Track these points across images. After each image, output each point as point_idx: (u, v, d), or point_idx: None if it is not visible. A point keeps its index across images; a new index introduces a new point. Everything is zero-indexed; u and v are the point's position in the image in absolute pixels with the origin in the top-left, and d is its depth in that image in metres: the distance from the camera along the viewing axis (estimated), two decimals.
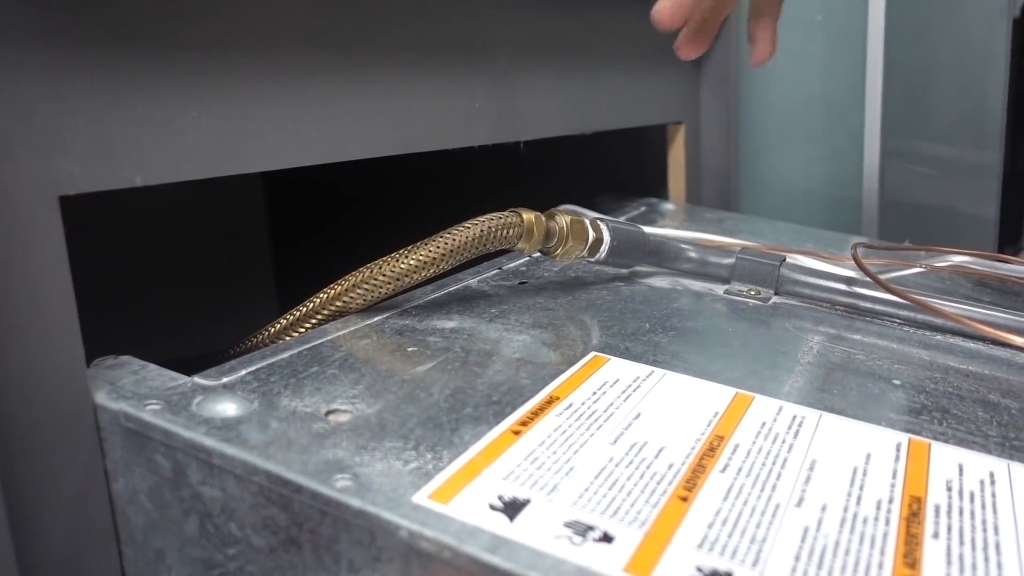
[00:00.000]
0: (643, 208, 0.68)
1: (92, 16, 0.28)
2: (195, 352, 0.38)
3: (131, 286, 0.75)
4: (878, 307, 0.43)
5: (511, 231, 0.39)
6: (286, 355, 0.33)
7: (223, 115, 0.32)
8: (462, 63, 0.44)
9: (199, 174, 0.31)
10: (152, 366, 0.31)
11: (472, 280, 0.45)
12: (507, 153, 0.51)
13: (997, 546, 0.24)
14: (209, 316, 0.83)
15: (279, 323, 0.38)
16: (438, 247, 0.37)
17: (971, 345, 0.40)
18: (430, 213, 0.45)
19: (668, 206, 0.70)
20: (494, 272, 0.47)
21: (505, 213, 0.40)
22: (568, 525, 0.23)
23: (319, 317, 0.37)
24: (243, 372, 0.31)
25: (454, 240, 0.38)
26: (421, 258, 0.37)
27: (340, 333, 0.36)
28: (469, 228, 0.38)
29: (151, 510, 0.28)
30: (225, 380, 0.30)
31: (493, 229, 0.38)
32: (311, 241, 0.93)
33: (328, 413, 0.28)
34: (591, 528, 0.23)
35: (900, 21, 0.78)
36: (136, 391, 0.29)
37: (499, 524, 0.23)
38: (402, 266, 0.37)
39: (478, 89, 0.45)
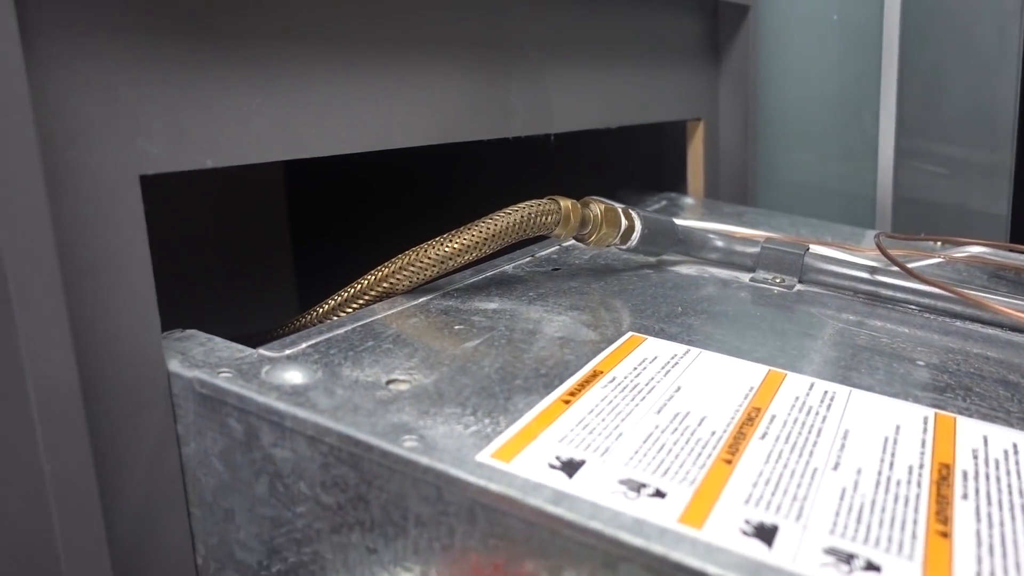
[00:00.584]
0: (663, 202, 0.70)
1: (168, 9, 0.30)
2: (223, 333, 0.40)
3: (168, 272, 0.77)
4: (899, 295, 0.45)
5: (550, 217, 0.41)
6: (341, 331, 0.35)
7: (283, 103, 0.33)
8: (498, 58, 0.46)
9: (261, 158, 0.33)
10: (218, 339, 0.33)
11: (507, 266, 0.46)
12: (527, 148, 0.53)
13: (1023, 507, 0.25)
14: (230, 304, 0.85)
15: (328, 303, 0.39)
16: (481, 231, 0.39)
17: (990, 331, 0.42)
18: (446, 206, 0.47)
19: (688, 200, 0.72)
20: (527, 259, 0.48)
21: (543, 200, 0.41)
22: (623, 482, 0.25)
23: (367, 298, 0.39)
24: (303, 345, 0.33)
25: (496, 225, 0.39)
26: (465, 241, 0.39)
27: (388, 312, 0.38)
28: (511, 214, 0.40)
29: (222, 472, 0.30)
30: (288, 352, 0.32)
31: (533, 215, 0.40)
32: (330, 232, 0.95)
33: (388, 382, 0.30)
34: (644, 485, 0.25)
35: (915, 22, 0.80)
36: (207, 360, 0.31)
37: (559, 480, 0.25)
38: (446, 249, 0.39)
39: (513, 83, 0.47)
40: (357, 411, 0.28)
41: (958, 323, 0.43)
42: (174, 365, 0.30)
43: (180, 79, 0.30)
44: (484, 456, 0.26)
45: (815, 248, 0.49)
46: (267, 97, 0.33)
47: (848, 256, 0.48)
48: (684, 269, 0.49)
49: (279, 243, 0.96)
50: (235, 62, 0.32)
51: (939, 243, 0.52)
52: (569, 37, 0.53)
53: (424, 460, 0.25)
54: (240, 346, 0.32)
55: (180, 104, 0.30)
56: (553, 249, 0.51)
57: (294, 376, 0.30)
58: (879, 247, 0.45)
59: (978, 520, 0.24)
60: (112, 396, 0.28)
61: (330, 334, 0.34)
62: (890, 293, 0.45)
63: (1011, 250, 0.51)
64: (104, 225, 0.28)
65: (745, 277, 0.48)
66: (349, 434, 0.26)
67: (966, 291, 0.42)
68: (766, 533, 0.23)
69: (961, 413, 0.32)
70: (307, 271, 0.97)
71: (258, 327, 0.40)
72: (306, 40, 0.35)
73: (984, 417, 0.32)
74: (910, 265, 0.48)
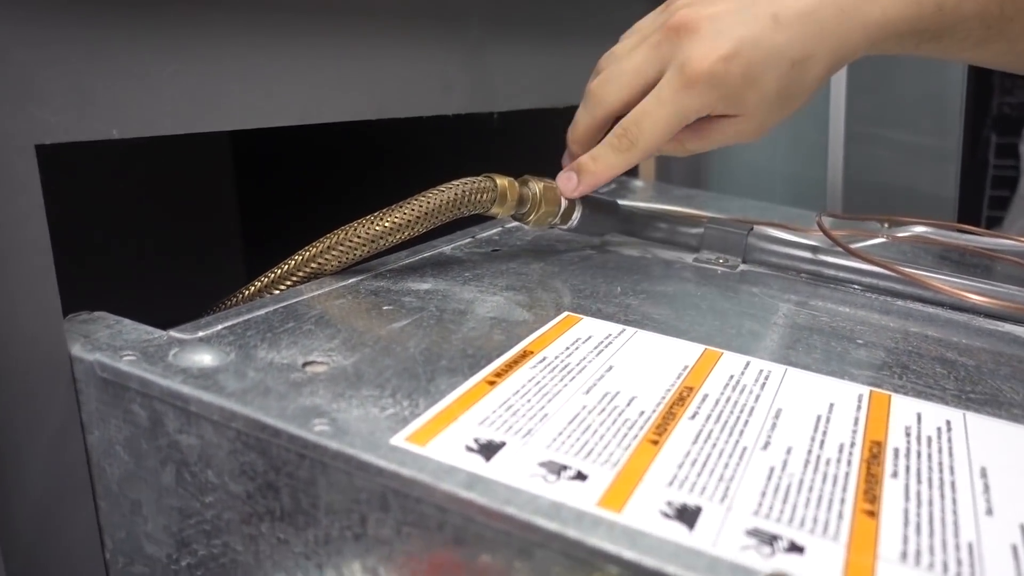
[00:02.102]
0: (613, 185, 0.69)
1: None
2: (162, 319, 0.38)
3: (95, 252, 0.74)
4: (842, 274, 0.44)
5: (485, 195, 0.39)
6: (262, 312, 0.33)
7: (200, 71, 0.32)
8: (437, 30, 0.44)
9: (175, 129, 0.31)
10: (127, 321, 0.31)
11: (446, 247, 0.45)
12: (477, 124, 0.52)
13: (952, 485, 0.25)
14: (175, 284, 0.82)
15: (254, 285, 0.38)
16: (413, 210, 0.38)
17: (930, 310, 0.42)
18: (398, 183, 0.45)
19: (638, 183, 0.71)
20: (467, 240, 0.47)
21: (479, 178, 0.40)
22: (543, 465, 0.24)
23: (294, 279, 0.38)
24: (219, 327, 0.31)
25: (429, 203, 0.38)
26: (396, 220, 0.37)
27: (315, 293, 0.36)
28: (444, 191, 0.38)
29: (127, 461, 0.28)
30: (201, 334, 0.30)
31: (467, 192, 0.39)
32: (280, 208, 0.92)
33: (305, 364, 0.29)
34: (565, 467, 0.24)
35: None
36: (111, 343, 0.29)
37: (475, 464, 0.23)
38: (377, 228, 0.37)
39: (453, 57, 0.46)
40: (268, 394, 0.26)
41: (899, 302, 0.42)
42: (76, 348, 0.28)
43: (83, 41, 0.28)
44: (398, 440, 0.24)
45: (759, 228, 0.48)
46: (183, 64, 0.31)
47: (792, 236, 0.47)
48: (628, 250, 0.48)
49: (227, 219, 0.92)
50: (147, 25, 0.30)
51: (884, 224, 0.52)
52: (515, 10, 0.51)
53: (333, 444, 0.24)
54: (150, 328, 0.30)
55: (82, 68, 0.28)
56: (495, 231, 0.50)
57: (204, 358, 0.28)
58: (820, 226, 0.44)
59: (907, 499, 0.24)
60: (6, 382, 0.27)
61: (249, 315, 0.33)
62: (833, 273, 0.44)
63: (955, 230, 0.51)
64: None
65: (689, 258, 0.47)
66: (256, 418, 0.25)
67: (905, 269, 0.41)
68: (688, 515, 0.22)
69: (896, 391, 0.31)
70: (256, 249, 0.94)
71: (205, 305, 0.39)
72: (228, 4, 0.33)
73: (919, 395, 0.31)
74: (854, 245, 0.48)
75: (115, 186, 0.75)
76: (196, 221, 0.88)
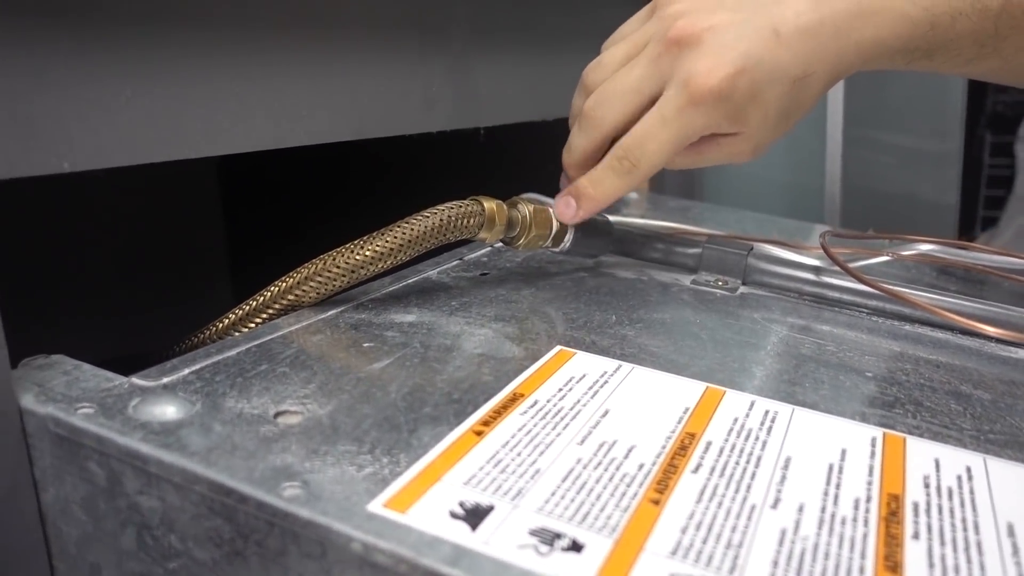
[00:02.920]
0: None
1: None
2: (139, 350, 0.36)
3: (74, 281, 0.72)
4: (846, 297, 0.42)
5: (472, 220, 0.37)
6: (233, 352, 0.31)
7: (159, 96, 0.29)
8: (417, 43, 0.42)
9: (133, 160, 0.29)
10: (86, 366, 0.29)
11: (432, 271, 0.43)
12: (466, 141, 0.50)
13: (979, 546, 0.23)
14: (160, 313, 0.80)
15: (227, 318, 0.36)
16: (395, 237, 0.36)
17: (939, 335, 0.40)
18: (389, 203, 0.43)
19: (632, 195, 0.69)
20: (455, 263, 0.45)
21: (466, 201, 0.38)
22: (534, 533, 0.22)
23: (270, 311, 0.35)
24: (186, 371, 0.29)
25: (412, 230, 0.36)
26: (377, 249, 0.35)
27: (292, 328, 0.34)
28: (428, 217, 0.36)
29: (85, 522, 0.26)
30: (165, 380, 0.28)
31: (453, 218, 0.37)
32: (269, 233, 0.90)
33: (277, 415, 0.26)
34: (559, 536, 0.22)
35: None
36: (67, 393, 0.27)
37: (460, 533, 0.21)
38: (357, 257, 0.35)
39: (435, 71, 0.43)
40: (235, 452, 0.24)
41: (907, 326, 0.41)
42: (27, 400, 0.26)
43: (26, 65, 0.26)
44: (376, 505, 0.22)
45: (759, 247, 0.47)
46: (139, 88, 0.29)
47: (794, 256, 0.46)
48: (622, 272, 0.46)
49: (213, 245, 0.90)
50: (97, 48, 0.28)
51: (888, 240, 0.50)
52: (500, 21, 0.49)
53: (305, 513, 0.22)
54: (110, 374, 0.28)
55: (27, 97, 0.26)
56: (484, 251, 0.47)
57: (166, 410, 0.26)
58: (824, 248, 0.42)
59: (931, 565, 0.22)
60: None
61: (219, 356, 0.30)
62: (836, 295, 0.43)
63: (959, 247, 0.49)
64: None
65: (686, 279, 0.45)
66: (221, 482, 0.23)
67: (913, 296, 0.40)
68: None
69: (911, 432, 0.29)
70: (244, 276, 0.92)
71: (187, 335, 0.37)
72: (188, 21, 0.31)
73: (935, 436, 0.29)
74: (857, 264, 0.46)
75: (92, 209, 0.73)
76: (180, 244, 0.86)
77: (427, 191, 0.43)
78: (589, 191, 0.40)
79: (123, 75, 0.28)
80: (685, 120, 0.37)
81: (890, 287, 0.40)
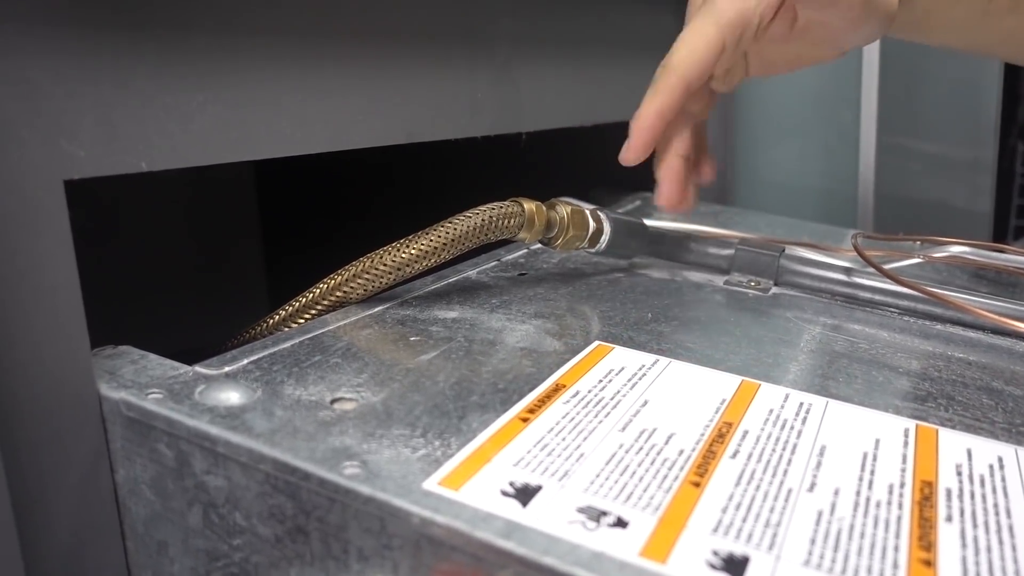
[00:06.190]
0: (638, 202, 0.68)
1: None
2: (185, 347, 0.38)
3: (117, 281, 0.74)
4: (878, 297, 0.43)
5: (513, 220, 0.39)
6: (288, 344, 0.33)
7: (229, 101, 0.31)
8: (464, 53, 0.44)
9: (204, 160, 0.30)
10: (152, 355, 0.30)
11: (471, 271, 0.44)
12: (501, 146, 0.51)
13: (1010, 529, 0.24)
14: (198, 313, 0.82)
15: (278, 314, 0.37)
16: (439, 236, 0.37)
17: (971, 334, 0.40)
18: (423, 207, 0.45)
19: None
20: (493, 264, 0.46)
21: (506, 202, 0.39)
22: (581, 511, 0.23)
23: (319, 308, 0.37)
24: (245, 361, 0.31)
25: (455, 229, 0.37)
26: (422, 247, 0.37)
27: (341, 323, 0.35)
28: (471, 217, 0.38)
29: (153, 501, 0.28)
30: (227, 369, 0.30)
31: (495, 218, 0.38)
32: (303, 236, 0.92)
33: (333, 401, 0.28)
34: (605, 513, 0.23)
35: None
36: (137, 380, 0.28)
37: (512, 510, 0.23)
38: (403, 256, 0.37)
39: (481, 79, 0.45)
40: (296, 434, 0.26)
41: (938, 326, 0.41)
42: (101, 386, 0.28)
43: (111, 74, 0.28)
44: (431, 483, 0.23)
45: (791, 249, 0.47)
46: (211, 94, 0.31)
47: (825, 257, 0.46)
48: (656, 273, 0.47)
49: (250, 247, 0.93)
50: (174, 57, 0.29)
51: (919, 243, 0.51)
52: (541, 31, 0.51)
53: (365, 489, 0.23)
54: (175, 363, 0.30)
55: (111, 102, 0.28)
56: (520, 253, 0.49)
57: (230, 396, 0.28)
58: (856, 248, 0.43)
59: (963, 546, 0.23)
60: (35, 421, 0.26)
61: (275, 348, 0.32)
62: (868, 296, 0.43)
63: (991, 249, 0.49)
64: (24, 235, 0.26)
65: (719, 280, 0.46)
66: (285, 461, 0.24)
67: (943, 293, 0.40)
68: (736, 566, 0.21)
69: (943, 424, 0.30)
70: (279, 277, 0.94)
71: (227, 334, 0.38)
72: (254, 33, 0.33)
73: (967, 428, 0.30)
74: (889, 266, 0.47)
75: (135, 213, 0.75)
76: (218, 246, 0.88)
77: (466, 195, 0.45)
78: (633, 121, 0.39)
79: (196, 83, 0.30)
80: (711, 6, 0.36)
81: (925, 287, 0.41)
